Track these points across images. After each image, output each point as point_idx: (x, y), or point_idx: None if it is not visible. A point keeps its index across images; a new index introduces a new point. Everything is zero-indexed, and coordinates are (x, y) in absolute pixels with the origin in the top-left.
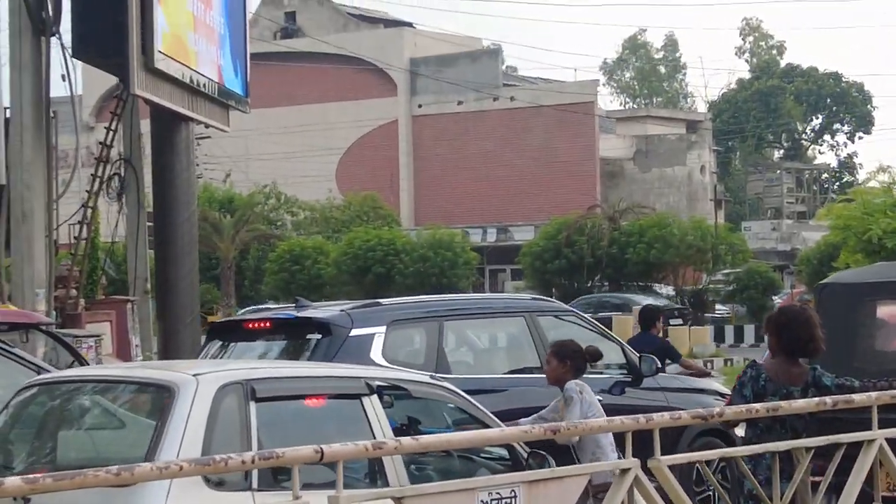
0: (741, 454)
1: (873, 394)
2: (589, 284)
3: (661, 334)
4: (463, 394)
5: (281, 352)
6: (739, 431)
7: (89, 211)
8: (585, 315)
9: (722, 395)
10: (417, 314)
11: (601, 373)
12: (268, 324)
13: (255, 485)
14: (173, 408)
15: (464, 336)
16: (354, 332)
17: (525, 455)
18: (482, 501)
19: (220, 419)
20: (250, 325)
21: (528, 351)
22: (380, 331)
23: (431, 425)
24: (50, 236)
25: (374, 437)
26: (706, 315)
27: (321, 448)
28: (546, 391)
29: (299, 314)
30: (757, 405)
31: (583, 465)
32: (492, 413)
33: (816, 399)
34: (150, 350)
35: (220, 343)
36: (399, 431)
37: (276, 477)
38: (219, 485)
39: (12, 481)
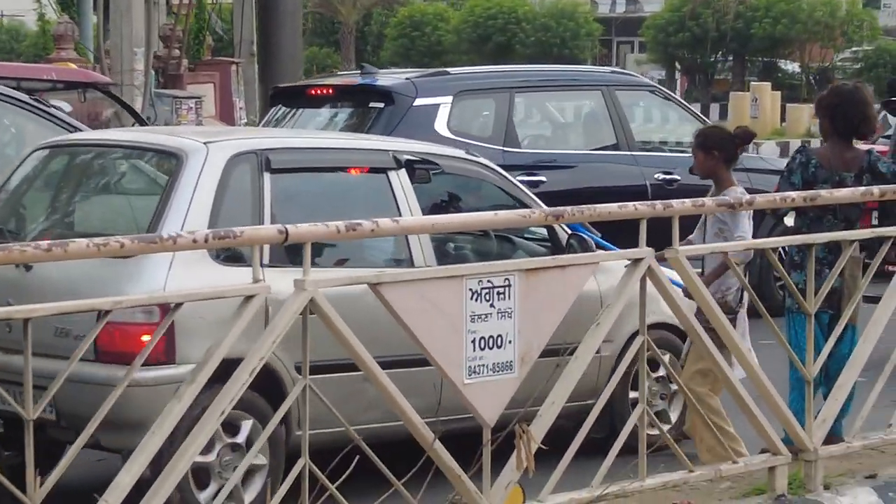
0: (771, 245)
1: None
2: (713, 59)
3: None
4: (501, 171)
5: (345, 120)
6: (789, 221)
7: None
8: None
9: None
10: (486, 84)
11: (683, 151)
12: (330, 90)
13: (265, 260)
14: (180, 176)
15: (535, 109)
16: (419, 101)
17: (566, 237)
18: (471, 290)
19: (230, 189)
20: (314, 91)
21: (605, 127)
22: (446, 101)
23: (470, 203)
24: None
25: (400, 214)
26: None
27: (286, 228)
28: (621, 169)
29: (363, 81)
30: (792, 193)
31: (590, 254)
32: (562, 191)
33: (862, 188)
34: (254, 113)
35: (284, 109)
36: (438, 208)
37: (288, 252)
38: (227, 259)
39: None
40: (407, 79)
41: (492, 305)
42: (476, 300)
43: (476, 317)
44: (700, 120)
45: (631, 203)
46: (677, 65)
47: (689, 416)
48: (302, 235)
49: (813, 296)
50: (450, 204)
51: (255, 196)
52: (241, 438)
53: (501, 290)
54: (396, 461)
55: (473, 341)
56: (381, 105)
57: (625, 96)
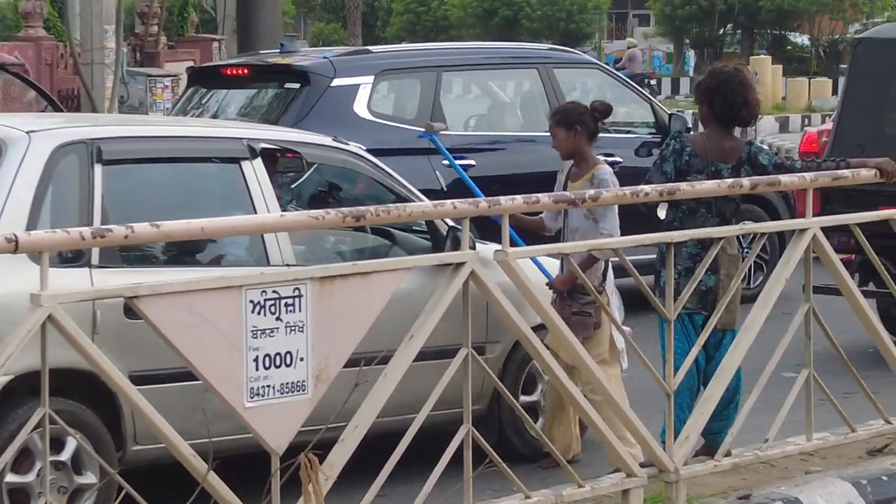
0: (615, 245)
1: (808, 175)
2: (721, 32)
3: None
4: (375, 161)
5: (260, 102)
6: (662, 213)
7: None
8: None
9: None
10: (411, 63)
11: (628, 132)
12: (245, 70)
13: (94, 261)
14: None
15: (465, 89)
16: (337, 81)
17: (445, 232)
18: (252, 302)
19: (55, 183)
20: (229, 72)
21: (541, 107)
22: (366, 81)
23: (342, 195)
24: None
25: (255, 209)
26: (842, 67)
27: (15, 236)
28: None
29: (277, 60)
30: (646, 187)
31: (395, 260)
32: (493, 176)
33: (728, 181)
34: None
35: (199, 90)
36: (312, 201)
37: (121, 252)
38: (65, 261)
39: None
40: (325, 57)
41: (278, 319)
42: (259, 313)
43: (259, 332)
44: (647, 100)
45: (450, 201)
46: (685, 38)
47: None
48: (36, 244)
49: (672, 300)
50: (320, 196)
51: (84, 191)
52: (65, 456)
53: (290, 301)
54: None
55: (256, 360)
56: (297, 86)
57: (564, 74)
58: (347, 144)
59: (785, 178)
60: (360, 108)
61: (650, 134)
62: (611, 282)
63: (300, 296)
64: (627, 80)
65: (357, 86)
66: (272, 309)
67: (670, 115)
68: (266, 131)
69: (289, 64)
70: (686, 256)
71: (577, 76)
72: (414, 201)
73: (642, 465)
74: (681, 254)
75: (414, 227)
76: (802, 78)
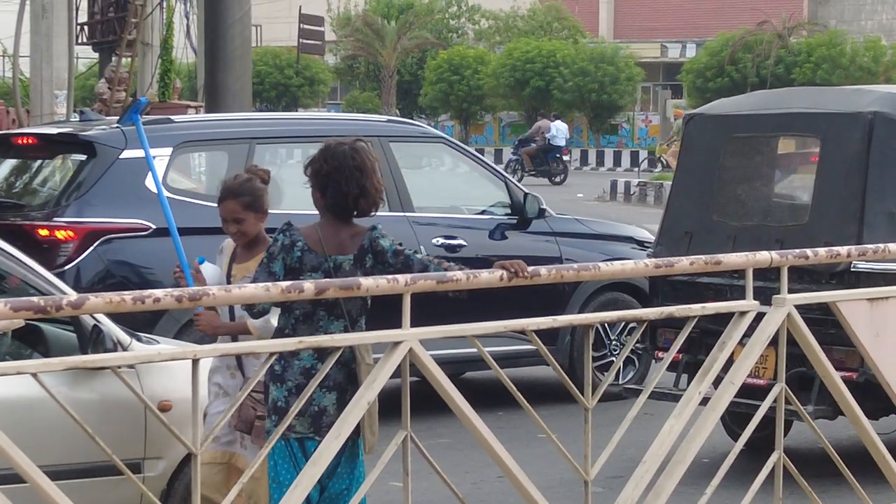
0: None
1: (401, 278)
2: None
3: None
4: (8, 249)
5: (49, 173)
6: (275, 321)
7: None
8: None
9: (642, 244)
10: (219, 135)
11: (483, 212)
12: (32, 140)
13: None
14: None
15: (283, 164)
16: (127, 153)
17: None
18: None
19: None
20: (18, 141)
21: None
22: (162, 153)
23: None
24: (71, 31)
25: None
26: None
27: None
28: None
29: (64, 130)
30: (250, 287)
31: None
32: None
33: (326, 281)
34: None
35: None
36: None
37: None
38: None
39: None
40: (115, 127)
41: None
42: None
43: None
44: (500, 178)
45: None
46: None
47: None
48: None
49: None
50: None
51: None
52: None
53: None
54: None
55: None
56: (84, 157)
57: (402, 150)
58: None
59: (368, 283)
60: (154, 183)
61: (506, 215)
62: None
63: None
64: (477, 154)
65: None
66: None
67: (525, 195)
68: None
69: (76, 134)
70: (298, 371)
71: (418, 151)
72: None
73: None
74: (292, 367)
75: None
76: None
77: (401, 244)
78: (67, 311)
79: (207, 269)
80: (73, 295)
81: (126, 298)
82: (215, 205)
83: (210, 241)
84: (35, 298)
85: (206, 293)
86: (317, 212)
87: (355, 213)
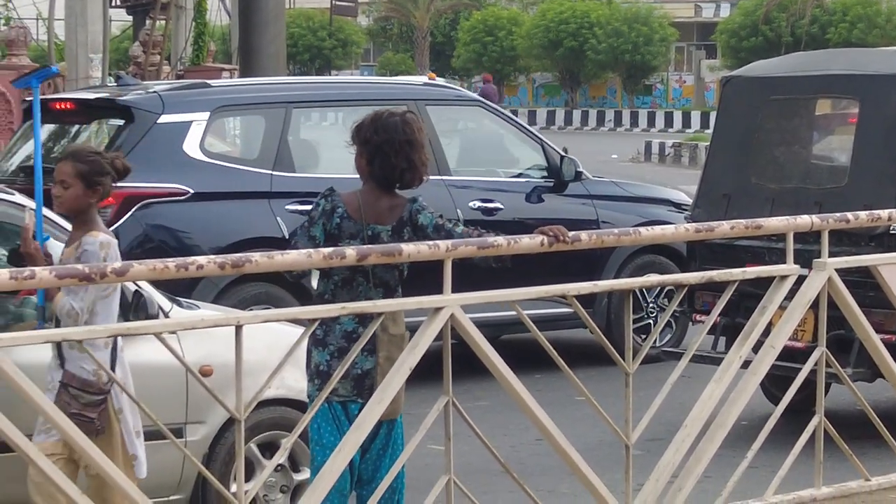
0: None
1: (443, 244)
2: None
3: None
4: (49, 215)
5: (87, 137)
6: (314, 283)
7: None
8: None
9: (679, 206)
10: (255, 99)
11: (520, 175)
12: (70, 105)
13: None
14: None
15: (319, 128)
16: (165, 118)
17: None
18: None
19: None
20: (57, 106)
21: None
22: (200, 118)
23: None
24: None
25: None
26: None
27: None
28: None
29: (102, 95)
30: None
31: None
32: None
33: (368, 247)
34: None
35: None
36: None
37: None
38: None
39: None
40: (153, 92)
41: None
42: None
43: None
44: (537, 140)
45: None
46: None
47: None
48: None
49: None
50: None
51: None
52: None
53: None
54: None
55: None
56: (122, 122)
57: (438, 113)
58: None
59: (410, 248)
60: (192, 147)
61: (543, 178)
62: (128, 375)
63: None
64: (513, 117)
65: (188, 123)
66: None
67: (562, 158)
68: None
69: (113, 99)
70: (340, 334)
71: (454, 114)
72: None
73: None
74: (334, 331)
75: None
76: None
77: (441, 216)
78: (112, 278)
79: (53, 246)
80: (117, 262)
81: (170, 265)
82: (253, 169)
83: (248, 206)
84: (80, 266)
85: (248, 259)
86: (349, 175)
87: (398, 185)
